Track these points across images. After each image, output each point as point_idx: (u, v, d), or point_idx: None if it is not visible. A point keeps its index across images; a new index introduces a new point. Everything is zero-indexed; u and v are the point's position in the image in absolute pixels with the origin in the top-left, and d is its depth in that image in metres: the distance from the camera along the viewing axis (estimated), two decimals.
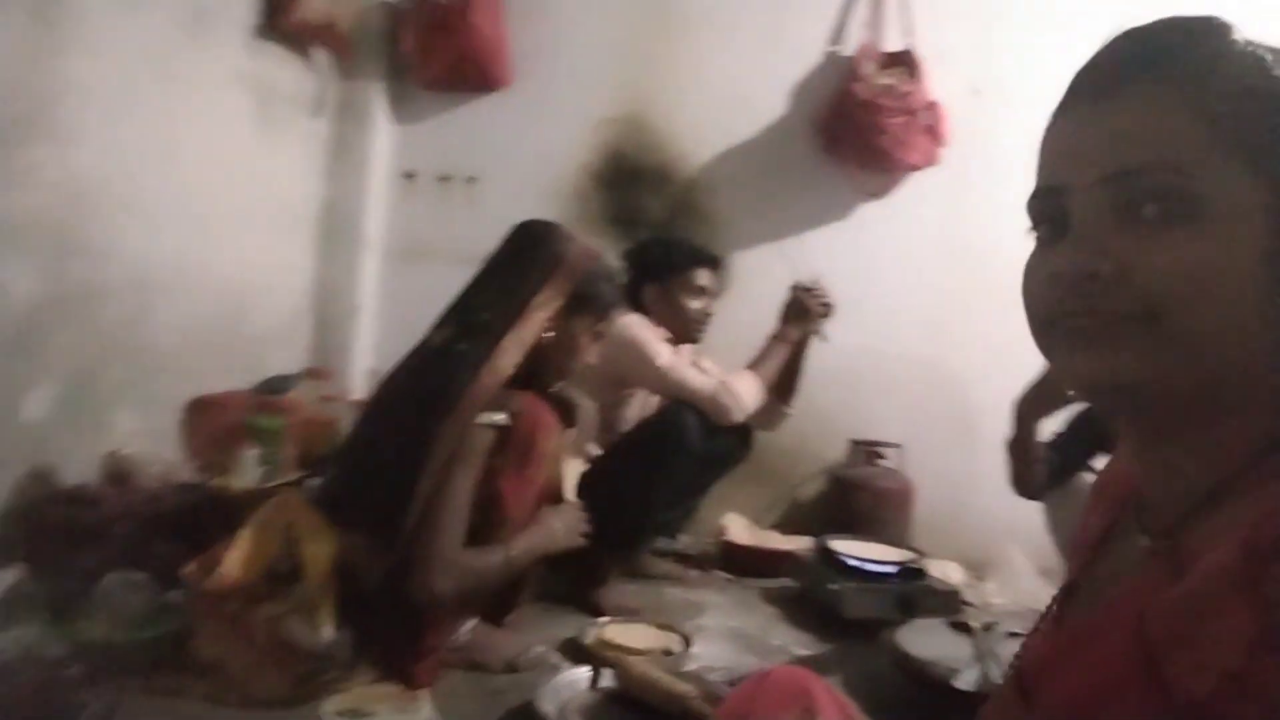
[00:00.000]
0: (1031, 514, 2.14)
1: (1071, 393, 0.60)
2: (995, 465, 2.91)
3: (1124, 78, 0.55)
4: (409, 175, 3.23)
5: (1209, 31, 0.55)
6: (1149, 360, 0.53)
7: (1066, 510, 2.11)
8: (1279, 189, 0.52)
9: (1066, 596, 0.72)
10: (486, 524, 1.62)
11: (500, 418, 1.61)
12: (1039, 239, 0.60)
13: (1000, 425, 2.94)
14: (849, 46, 3.05)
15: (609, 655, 1.72)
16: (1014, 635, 1.83)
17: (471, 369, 1.60)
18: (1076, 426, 2.02)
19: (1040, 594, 2.64)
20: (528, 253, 1.79)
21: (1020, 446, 1.90)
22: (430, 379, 1.62)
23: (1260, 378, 0.54)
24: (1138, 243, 0.53)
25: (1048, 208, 0.59)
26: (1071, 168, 0.57)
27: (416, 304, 3.08)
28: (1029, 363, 2.76)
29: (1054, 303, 0.56)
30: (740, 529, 2.77)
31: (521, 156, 3.18)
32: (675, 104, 3.14)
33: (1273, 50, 0.55)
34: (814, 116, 3.05)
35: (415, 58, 3.05)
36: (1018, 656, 0.73)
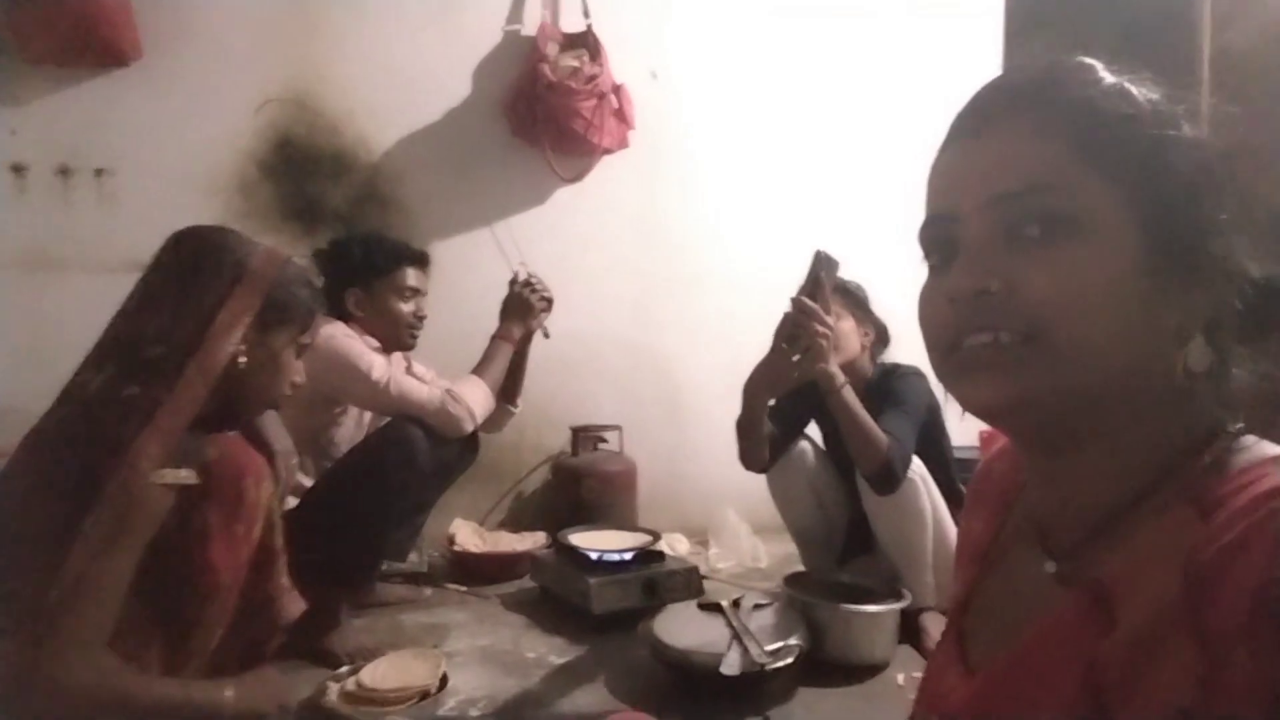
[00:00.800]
0: (741, 478, 2.22)
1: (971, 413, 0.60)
2: (704, 436, 3.07)
3: (1000, 113, 0.59)
4: (17, 168, 2.63)
5: (1075, 69, 0.60)
6: (1042, 378, 0.55)
7: (787, 478, 2.23)
8: (1148, 206, 0.56)
9: (962, 613, 0.71)
10: (194, 600, 1.34)
11: (185, 474, 1.31)
12: (931, 267, 0.62)
13: (704, 399, 3.11)
14: (528, 26, 2.96)
15: (362, 715, 1.52)
16: (759, 607, 1.90)
17: (145, 415, 1.29)
18: (789, 401, 2.13)
19: (758, 552, 2.81)
20: (200, 265, 1.48)
21: (749, 425, 1.96)
22: (93, 432, 1.28)
23: (1149, 390, 0.57)
24: (1023, 261, 0.56)
25: (937, 236, 0.61)
26: (957, 196, 0.59)
27: (43, 324, 2.58)
28: (726, 338, 2.90)
29: (952, 325, 0.58)
30: (469, 535, 2.63)
31: (163, 143, 2.72)
32: (347, 83, 2.86)
33: (1134, 78, 0.59)
34: (501, 98, 2.93)
35: (14, 26, 2.47)
36: (925, 688, 0.72)
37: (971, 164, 0.59)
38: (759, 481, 2.24)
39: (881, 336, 2.22)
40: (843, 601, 1.92)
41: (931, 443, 2.11)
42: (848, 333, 2.12)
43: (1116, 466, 0.58)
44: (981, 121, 0.60)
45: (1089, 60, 0.60)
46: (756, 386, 1.88)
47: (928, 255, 0.63)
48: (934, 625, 2.06)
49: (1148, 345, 0.56)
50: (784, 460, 2.20)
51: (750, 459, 2.04)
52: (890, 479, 1.90)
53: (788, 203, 3.24)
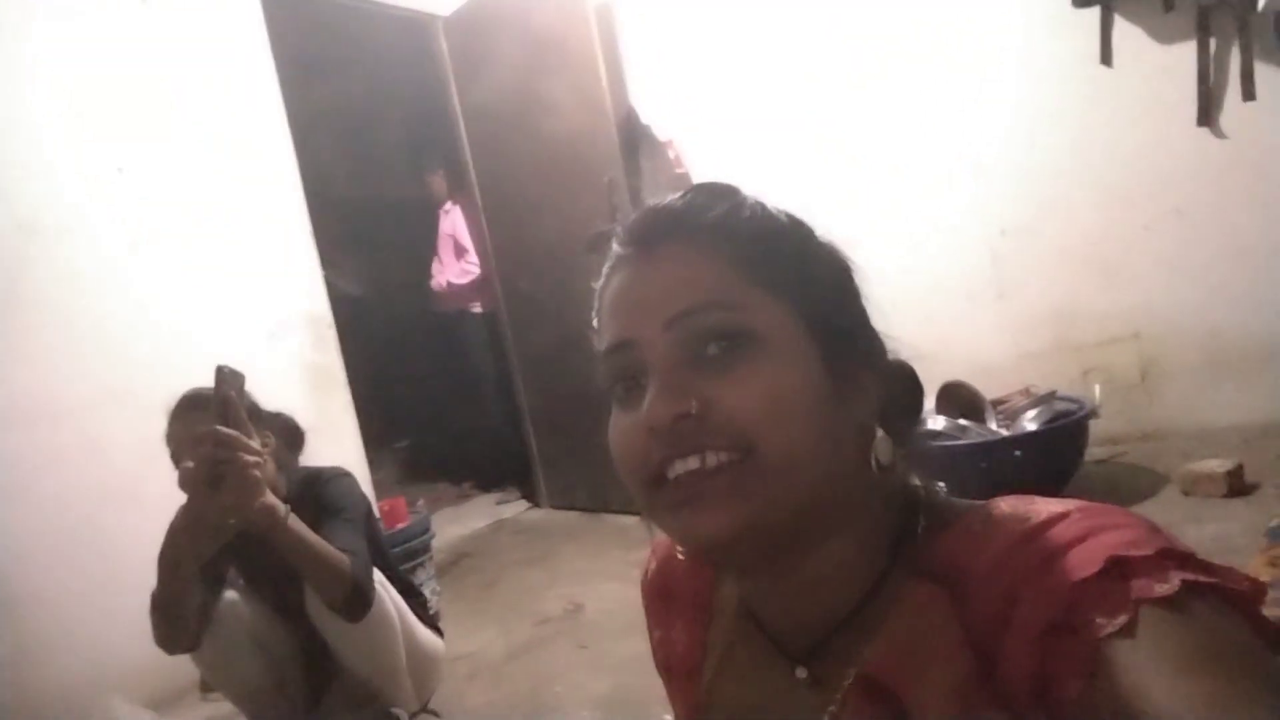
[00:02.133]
0: (120, 654, 1.72)
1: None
2: (46, 620, 2.33)
3: (664, 237, 0.59)
4: None
5: (723, 192, 0.62)
6: (760, 498, 0.54)
7: (222, 640, 1.82)
8: (811, 314, 0.58)
9: None
10: None
11: None
12: (618, 399, 0.60)
13: (33, 575, 2.35)
14: None
15: None
16: None
17: None
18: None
19: None
20: None
21: (173, 600, 1.53)
22: None
23: (856, 489, 0.58)
24: (713, 380, 0.56)
25: (621, 364, 0.60)
26: (636, 320, 0.59)
27: None
28: (35, 491, 2.24)
29: (655, 455, 0.56)
30: None
31: None
32: None
33: (762, 201, 0.63)
34: None
35: None
36: None
37: (644, 287, 0.59)
38: (144, 649, 1.73)
39: (290, 438, 1.95)
40: None
41: (372, 539, 1.93)
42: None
43: (842, 567, 0.59)
44: (647, 246, 0.60)
45: (728, 184, 0.63)
46: (179, 550, 1.47)
47: (612, 386, 0.61)
48: None
49: (843, 447, 0.57)
50: (213, 623, 1.77)
51: (176, 640, 1.61)
52: (362, 602, 1.68)
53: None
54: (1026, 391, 2.88)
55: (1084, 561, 0.47)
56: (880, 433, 0.59)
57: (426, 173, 4.41)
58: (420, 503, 3.10)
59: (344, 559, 1.65)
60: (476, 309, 4.37)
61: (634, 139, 3.71)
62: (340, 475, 1.90)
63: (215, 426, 1.45)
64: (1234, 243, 2.82)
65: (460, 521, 4.11)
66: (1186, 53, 2.82)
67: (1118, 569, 0.47)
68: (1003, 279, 3.29)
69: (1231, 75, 2.76)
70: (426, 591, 2.57)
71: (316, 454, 2.04)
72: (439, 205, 4.44)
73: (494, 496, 4.48)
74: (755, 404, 0.54)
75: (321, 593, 1.65)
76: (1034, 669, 0.47)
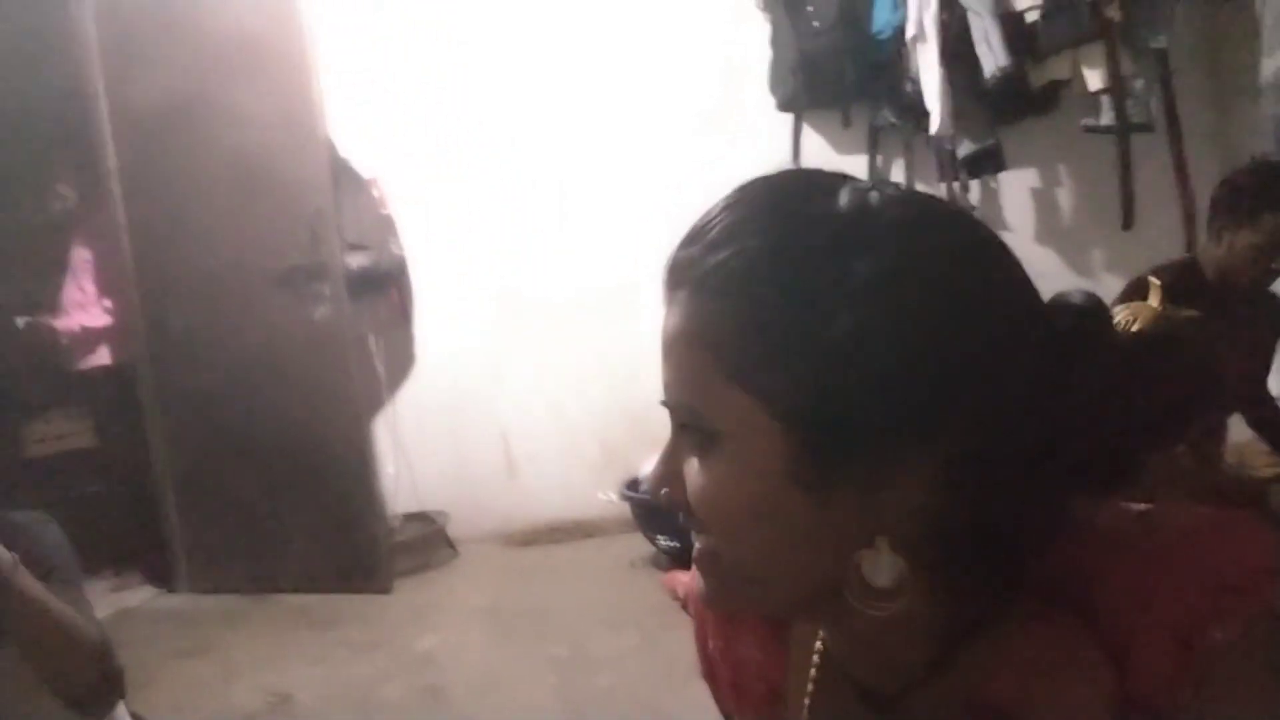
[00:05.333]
0: None
1: None
2: None
3: (674, 282, 0.52)
4: None
5: (763, 214, 0.50)
6: (736, 595, 0.54)
7: None
8: (784, 408, 0.47)
9: None
10: None
11: None
12: None
13: None
14: None
15: None
16: None
17: None
18: None
19: None
20: None
21: None
22: None
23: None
24: (687, 470, 0.52)
25: None
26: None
27: None
28: None
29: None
30: None
31: None
32: None
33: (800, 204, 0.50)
34: None
35: None
36: None
37: (661, 345, 0.53)
38: None
39: None
40: None
41: None
42: None
43: (919, 614, 0.51)
44: (666, 292, 0.53)
45: (756, 214, 0.49)
46: None
47: None
48: None
49: (828, 556, 0.49)
50: None
51: None
52: (117, 690, 1.25)
53: None
54: None
55: (1216, 570, 0.48)
56: (884, 549, 0.47)
57: (56, 181, 3.54)
58: None
59: (92, 631, 1.22)
60: (105, 360, 3.54)
61: (333, 172, 3.36)
62: (46, 522, 1.40)
63: None
64: None
65: None
66: (860, 165, 3.33)
67: (1245, 579, 0.47)
68: None
69: None
70: None
71: None
72: (68, 221, 3.57)
73: (106, 583, 3.60)
74: (704, 506, 0.51)
75: (58, 678, 1.20)
76: (1168, 677, 0.46)
